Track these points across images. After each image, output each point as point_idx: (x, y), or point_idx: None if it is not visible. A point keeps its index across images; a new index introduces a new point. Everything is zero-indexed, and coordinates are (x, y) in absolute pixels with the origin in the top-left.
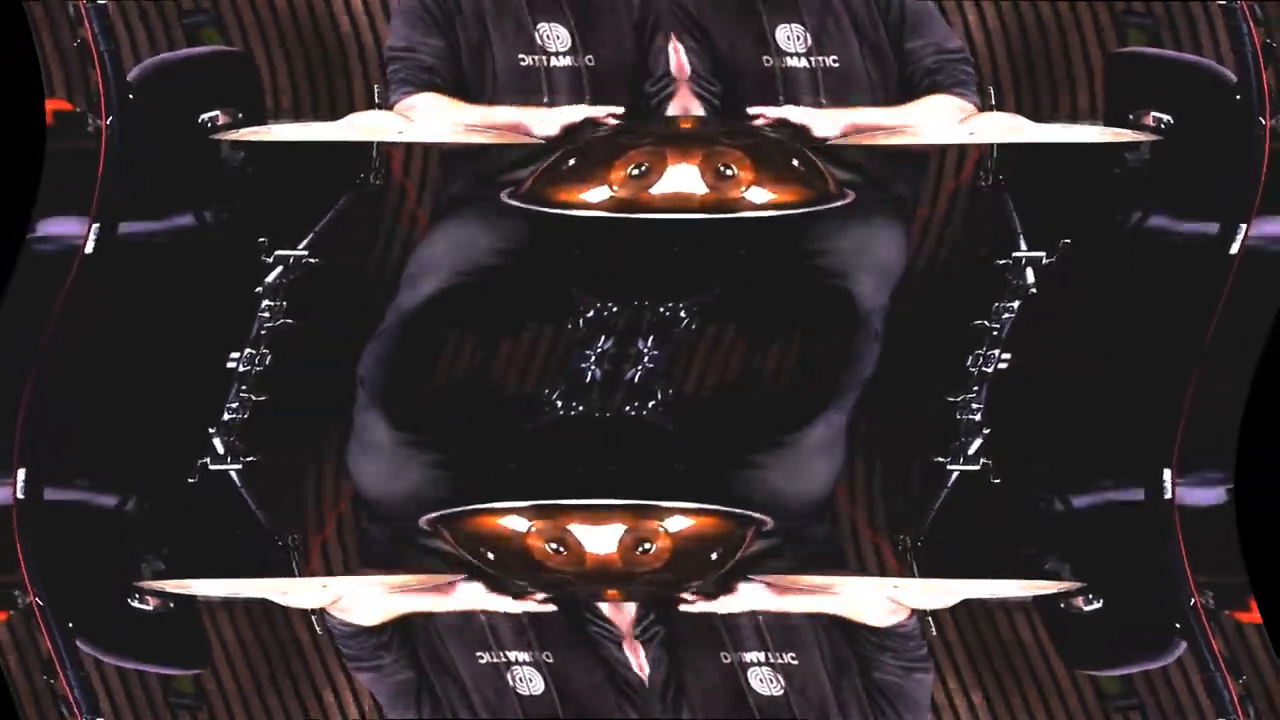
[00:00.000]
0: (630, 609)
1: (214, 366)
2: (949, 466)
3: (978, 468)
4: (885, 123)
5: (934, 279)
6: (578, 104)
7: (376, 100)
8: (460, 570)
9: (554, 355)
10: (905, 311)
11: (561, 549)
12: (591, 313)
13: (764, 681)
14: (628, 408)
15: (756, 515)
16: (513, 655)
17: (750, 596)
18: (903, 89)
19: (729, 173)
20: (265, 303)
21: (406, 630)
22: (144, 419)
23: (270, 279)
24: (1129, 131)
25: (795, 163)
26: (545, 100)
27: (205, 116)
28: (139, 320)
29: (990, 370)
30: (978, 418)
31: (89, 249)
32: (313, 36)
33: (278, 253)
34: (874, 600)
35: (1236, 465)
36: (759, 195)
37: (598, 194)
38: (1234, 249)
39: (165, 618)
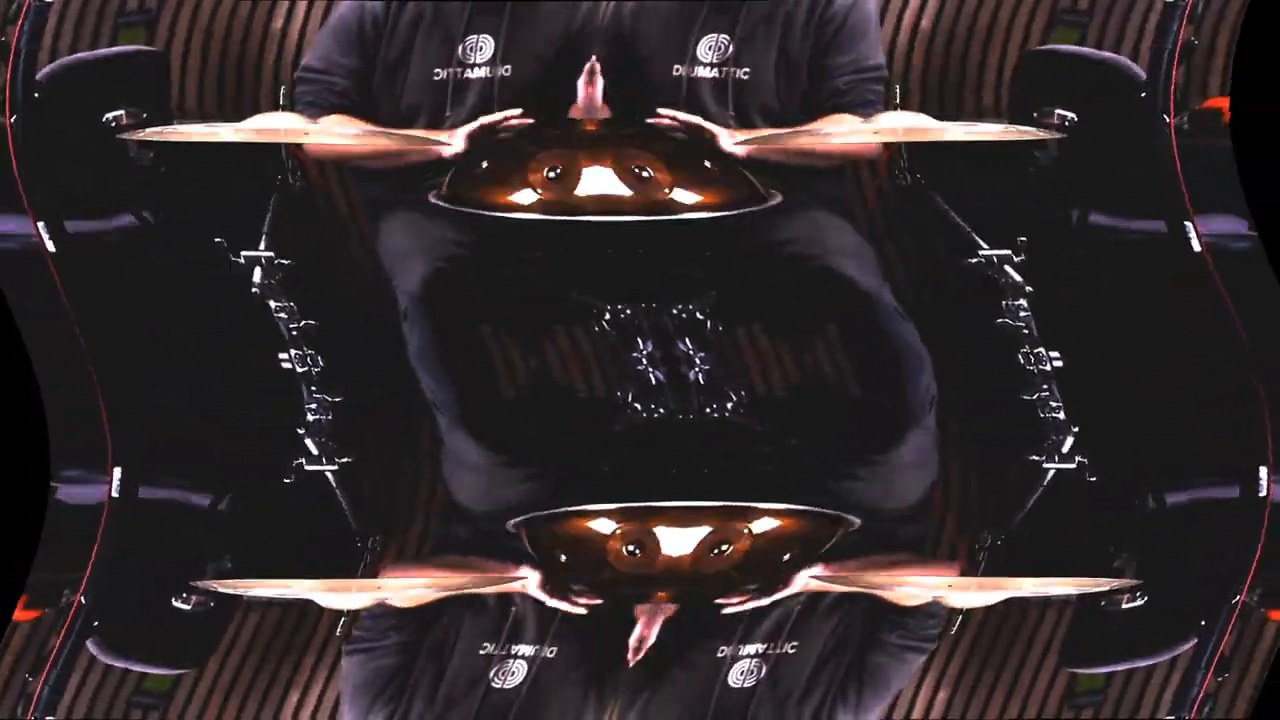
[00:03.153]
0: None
1: (268, 365)
2: (1044, 465)
3: (1074, 466)
4: (789, 141)
5: (925, 280)
6: (484, 113)
7: (282, 102)
8: (520, 570)
9: (603, 357)
10: (925, 311)
11: (638, 551)
12: (608, 314)
13: (743, 674)
14: (708, 409)
15: (846, 516)
16: (516, 649)
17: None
18: (806, 104)
19: (645, 175)
20: (272, 304)
21: (430, 619)
22: (226, 419)
23: (258, 279)
24: (1032, 130)
25: (708, 164)
26: (447, 113)
27: (110, 116)
28: (117, 318)
29: (1048, 369)
30: (1062, 416)
31: (50, 248)
32: (236, 39)
33: (245, 254)
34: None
35: None
36: (685, 197)
37: (524, 196)
38: (1196, 247)
39: (190, 618)
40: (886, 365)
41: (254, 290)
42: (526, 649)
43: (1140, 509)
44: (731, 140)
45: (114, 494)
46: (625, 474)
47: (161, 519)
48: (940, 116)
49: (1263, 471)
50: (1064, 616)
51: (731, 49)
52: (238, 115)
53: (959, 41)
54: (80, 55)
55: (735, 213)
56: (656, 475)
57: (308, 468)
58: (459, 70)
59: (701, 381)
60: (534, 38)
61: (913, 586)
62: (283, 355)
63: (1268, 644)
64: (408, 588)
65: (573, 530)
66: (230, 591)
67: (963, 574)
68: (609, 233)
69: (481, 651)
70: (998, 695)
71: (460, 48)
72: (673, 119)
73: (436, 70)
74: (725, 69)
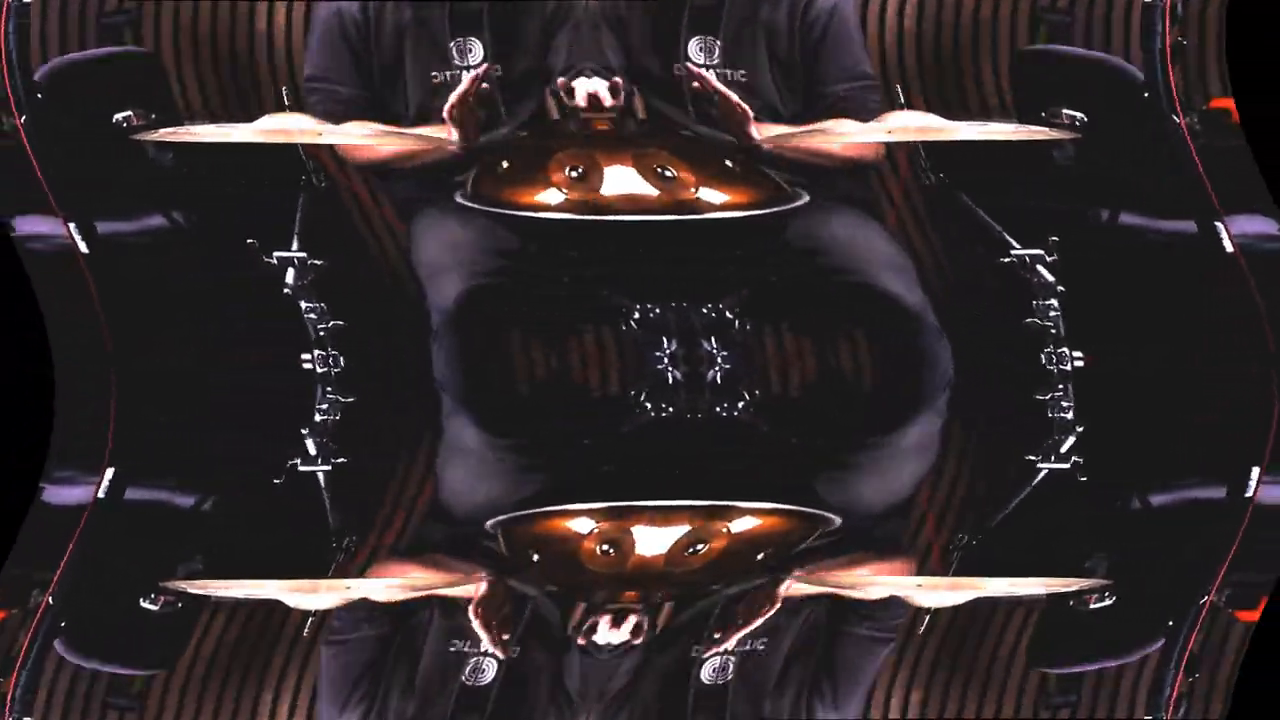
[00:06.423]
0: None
1: (288, 367)
2: (1039, 465)
3: (1068, 466)
4: (804, 139)
5: (957, 278)
6: (492, 112)
7: (286, 102)
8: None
9: (624, 356)
10: (954, 309)
11: (612, 551)
12: (636, 313)
13: (715, 671)
14: (718, 408)
15: (826, 515)
16: (484, 646)
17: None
18: (806, 105)
19: (669, 174)
20: (304, 304)
21: (403, 615)
22: (232, 420)
23: (290, 280)
24: (1048, 129)
25: (729, 163)
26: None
27: (119, 117)
28: (157, 319)
29: (1069, 369)
30: (1069, 416)
31: (84, 249)
32: (226, 39)
33: (278, 254)
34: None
35: None
36: (712, 196)
37: (550, 196)
38: (1228, 248)
39: (157, 619)
40: (907, 355)
41: (286, 291)
42: (494, 647)
43: (1123, 509)
44: (757, 131)
45: (100, 494)
46: (623, 473)
47: (140, 519)
48: (947, 116)
49: (1254, 472)
50: (1031, 616)
51: (719, 50)
52: (245, 117)
53: (947, 42)
54: (73, 55)
55: (765, 212)
56: (651, 474)
57: (301, 468)
58: (455, 73)
59: (718, 381)
60: (519, 32)
61: (881, 587)
62: (305, 356)
63: (1235, 644)
64: (373, 590)
65: (550, 530)
66: (198, 592)
67: (931, 573)
68: (639, 232)
69: (452, 649)
70: (971, 695)
71: (450, 50)
72: (707, 83)
73: (434, 73)
74: (722, 71)
